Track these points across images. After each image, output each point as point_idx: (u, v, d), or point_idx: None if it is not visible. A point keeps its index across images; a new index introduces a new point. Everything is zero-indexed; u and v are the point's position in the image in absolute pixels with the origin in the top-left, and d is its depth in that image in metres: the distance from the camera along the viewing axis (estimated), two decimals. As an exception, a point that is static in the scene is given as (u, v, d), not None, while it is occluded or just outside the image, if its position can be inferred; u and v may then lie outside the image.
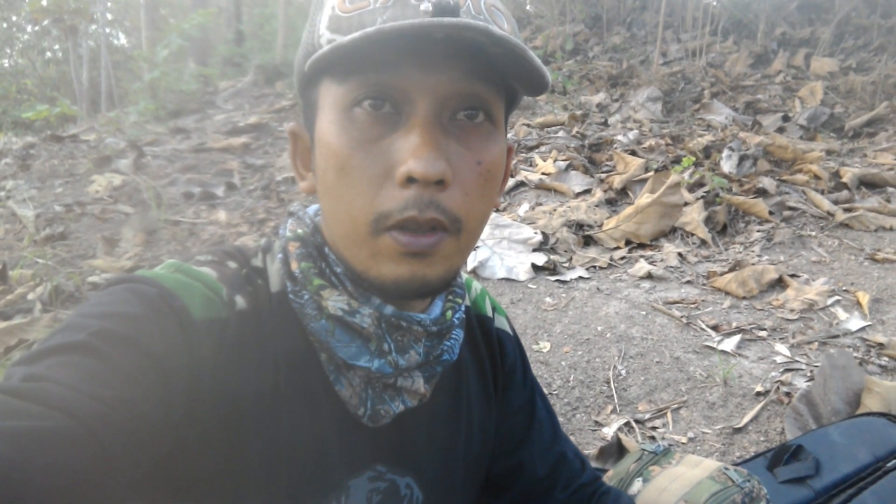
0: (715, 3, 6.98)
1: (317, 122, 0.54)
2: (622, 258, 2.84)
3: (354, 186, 0.50)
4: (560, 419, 1.36)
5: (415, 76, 0.48)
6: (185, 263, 0.56)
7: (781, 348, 1.98)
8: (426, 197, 0.49)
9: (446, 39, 0.45)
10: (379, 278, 0.52)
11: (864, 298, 2.26)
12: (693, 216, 3.02)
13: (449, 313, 0.62)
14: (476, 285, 0.79)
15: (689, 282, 2.56)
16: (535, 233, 2.87)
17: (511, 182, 3.59)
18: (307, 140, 0.59)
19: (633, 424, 1.67)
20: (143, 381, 0.45)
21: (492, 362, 0.76)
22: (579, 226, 3.08)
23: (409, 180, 0.48)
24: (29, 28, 9.52)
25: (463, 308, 0.66)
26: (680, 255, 2.81)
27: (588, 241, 3.02)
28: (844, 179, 3.42)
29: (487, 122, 0.53)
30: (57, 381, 0.41)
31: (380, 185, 0.49)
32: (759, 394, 1.73)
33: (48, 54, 9.65)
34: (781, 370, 1.84)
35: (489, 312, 0.78)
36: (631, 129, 4.52)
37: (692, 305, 2.33)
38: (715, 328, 2.14)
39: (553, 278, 2.59)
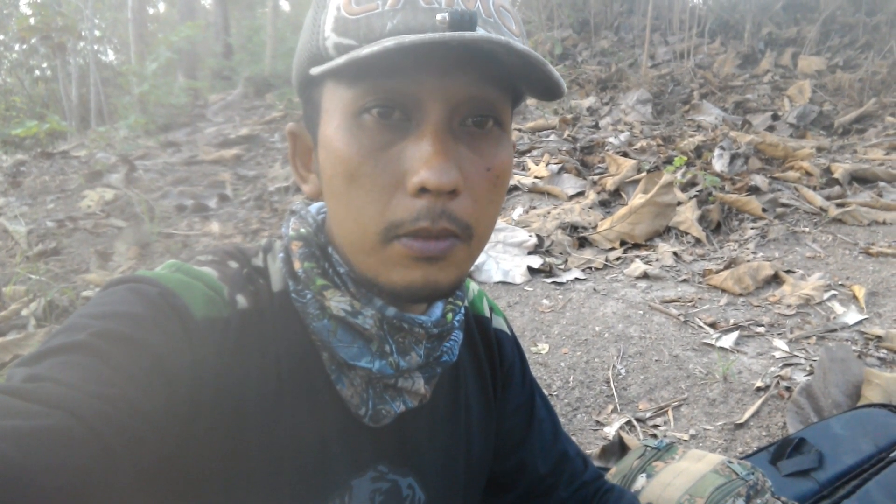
0: (701, 5, 7.05)
1: (321, 124, 0.53)
2: (617, 259, 2.84)
3: (364, 195, 0.49)
4: (561, 420, 1.36)
5: (427, 83, 0.47)
6: (186, 263, 0.55)
7: (780, 343, 1.98)
8: (438, 207, 0.48)
9: (460, 47, 0.45)
10: (389, 284, 0.51)
11: (860, 292, 2.27)
12: (687, 215, 3.03)
13: (450, 315, 0.62)
14: (473, 286, 0.79)
15: (685, 280, 2.57)
16: (530, 236, 2.87)
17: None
18: (308, 140, 0.59)
19: (635, 423, 1.66)
20: (145, 380, 0.44)
21: (490, 363, 0.75)
22: (574, 228, 3.08)
23: (422, 190, 0.47)
24: (17, 46, 9.50)
25: (463, 310, 0.65)
26: (675, 254, 2.81)
27: (583, 243, 3.02)
28: (836, 175, 3.45)
29: (497, 128, 0.52)
30: (58, 380, 0.41)
31: (391, 195, 0.48)
32: (759, 389, 1.73)
33: (37, 72, 9.64)
34: (781, 365, 1.84)
35: (487, 313, 0.78)
36: (622, 132, 4.54)
37: (689, 304, 2.33)
38: (713, 325, 2.14)
39: (549, 280, 2.59)
